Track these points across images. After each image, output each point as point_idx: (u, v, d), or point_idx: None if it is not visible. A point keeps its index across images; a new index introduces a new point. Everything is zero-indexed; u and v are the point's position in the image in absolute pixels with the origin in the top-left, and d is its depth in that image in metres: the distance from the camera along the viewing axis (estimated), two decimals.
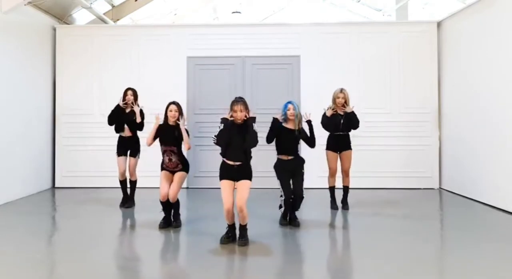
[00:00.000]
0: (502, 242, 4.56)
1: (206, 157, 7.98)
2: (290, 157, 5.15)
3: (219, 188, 4.43)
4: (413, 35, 8.05)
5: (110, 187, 7.57)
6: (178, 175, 5.04)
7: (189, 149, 5.00)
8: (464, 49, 7.13)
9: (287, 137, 5.12)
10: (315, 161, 7.78)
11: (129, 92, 6.12)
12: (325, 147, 6.15)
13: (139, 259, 4.10)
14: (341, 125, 5.89)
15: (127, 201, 6.25)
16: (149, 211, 5.87)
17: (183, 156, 5.13)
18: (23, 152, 7.13)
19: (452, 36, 7.58)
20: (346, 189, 6.11)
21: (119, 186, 6.31)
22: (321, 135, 6.10)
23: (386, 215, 5.80)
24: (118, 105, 6.09)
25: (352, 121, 5.89)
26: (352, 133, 6.09)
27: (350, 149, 6.00)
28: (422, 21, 8.85)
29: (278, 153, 5.21)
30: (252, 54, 8.08)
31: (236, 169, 4.40)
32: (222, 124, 4.33)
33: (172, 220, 5.12)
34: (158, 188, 5.09)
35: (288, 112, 5.12)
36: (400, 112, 7.99)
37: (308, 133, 5.26)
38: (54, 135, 8.16)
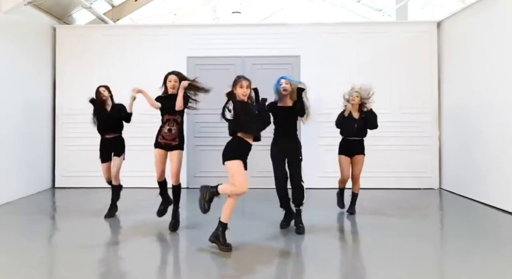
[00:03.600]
0: (502, 242, 4.57)
1: (206, 157, 7.98)
2: (286, 140, 4.81)
3: None
4: (413, 35, 8.05)
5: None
6: (175, 154, 4.81)
7: (180, 108, 4.76)
8: (464, 49, 7.13)
9: (284, 116, 4.77)
10: (315, 161, 7.79)
11: (101, 89, 5.68)
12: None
13: (138, 260, 4.08)
14: (354, 130, 5.55)
15: (111, 209, 5.71)
16: (149, 212, 5.85)
17: (183, 130, 4.95)
18: (23, 152, 7.13)
19: (452, 36, 7.58)
20: (355, 196, 5.83)
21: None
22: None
23: (386, 215, 5.79)
24: (94, 101, 5.72)
25: (369, 121, 5.54)
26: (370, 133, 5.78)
27: (363, 153, 5.68)
28: (422, 21, 8.85)
29: (275, 136, 4.89)
30: (252, 54, 8.08)
31: (249, 148, 4.21)
32: (236, 103, 4.09)
33: (171, 218, 4.99)
34: (158, 188, 5.08)
35: (281, 87, 4.80)
36: (400, 112, 7.98)
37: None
38: (54, 135, 8.16)
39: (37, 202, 6.88)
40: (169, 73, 4.97)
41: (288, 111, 4.81)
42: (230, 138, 4.26)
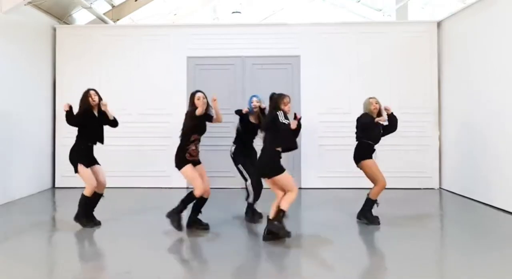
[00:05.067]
0: (503, 242, 4.56)
1: (207, 157, 7.92)
2: (249, 149, 5.50)
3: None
4: (413, 35, 8.05)
5: (109, 187, 7.53)
6: (203, 168, 4.98)
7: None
8: (464, 49, 7.13)
9: (251, 130, 5.45)
10: (315, 160, 7.79)
11: (92, 92, 5.10)
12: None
13: (139, 260, 4.08)
14: (380, 135, 5.50)
15: (94, 219, 5.17)
16: (149, 212, 5.86)
17: None
18: (23, 152, 7.12)
19: (452, 36, 7.58)
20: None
21: (90, 201, 5.10)
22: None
23: (386, 215, 5.78)
24: (87, 110, 5.10)
25: (392, 126, 5.58)
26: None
27: None
28: (422, 21, 8.85)
29: (240, 145, 5.48)
30: (252, 54, 8.08)
31: None
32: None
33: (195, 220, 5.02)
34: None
35: (252, 105, 5.42)
36: (400, 112, 7.92)
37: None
38: (54, 135, 8.16)
39: (37, 202, 6.88)
40: (197, 91, 4.89)
41: (254, 127, 5.44)
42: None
